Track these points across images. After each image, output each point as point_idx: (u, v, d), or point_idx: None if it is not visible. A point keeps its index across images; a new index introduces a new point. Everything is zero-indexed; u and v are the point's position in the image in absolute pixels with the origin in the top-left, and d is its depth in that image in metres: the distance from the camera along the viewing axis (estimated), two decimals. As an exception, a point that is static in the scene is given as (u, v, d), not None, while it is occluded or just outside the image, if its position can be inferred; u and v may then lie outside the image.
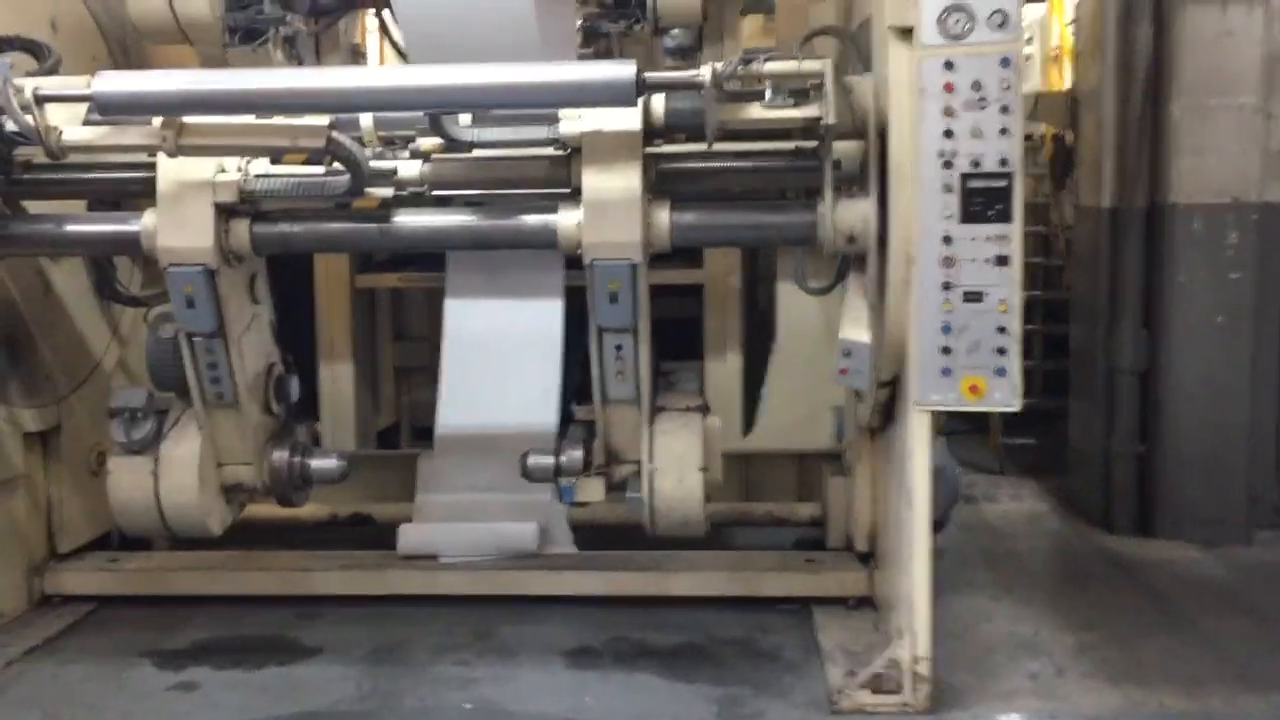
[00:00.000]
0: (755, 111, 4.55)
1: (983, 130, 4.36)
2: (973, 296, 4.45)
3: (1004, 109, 4.35)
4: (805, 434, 6.78)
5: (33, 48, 4.89)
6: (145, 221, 4.73)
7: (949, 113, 4.36)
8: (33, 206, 5.09)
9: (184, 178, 4.64)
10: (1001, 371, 4.46)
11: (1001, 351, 4.44)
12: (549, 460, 5.12)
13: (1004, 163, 4.37)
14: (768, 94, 4.54)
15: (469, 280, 6.46)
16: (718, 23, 6.27)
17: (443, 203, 4.96)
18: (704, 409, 5.03)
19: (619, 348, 4.82)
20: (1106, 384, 7.07)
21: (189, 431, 5.08)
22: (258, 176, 4.68)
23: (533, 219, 4.74)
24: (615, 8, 5.42)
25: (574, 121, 4.66)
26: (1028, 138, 10.31)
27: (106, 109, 4.31)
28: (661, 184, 4.84)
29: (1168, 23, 6.68)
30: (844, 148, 4.80)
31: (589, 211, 4.61)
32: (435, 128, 4.56)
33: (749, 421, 7.01)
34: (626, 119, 4.61)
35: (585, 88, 4.23)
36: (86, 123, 4.64)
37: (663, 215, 4.69)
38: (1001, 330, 4.44)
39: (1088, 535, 7.06)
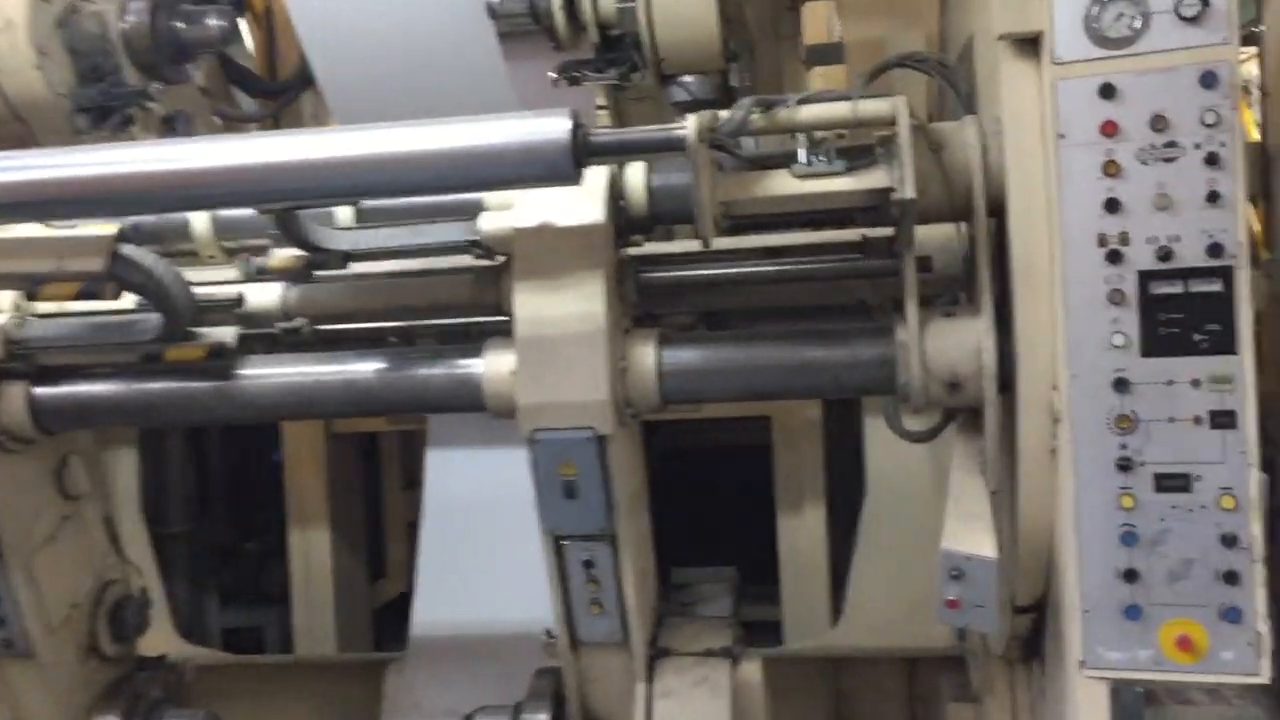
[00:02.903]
0: (781, 185, 2.77)
1: (1174, 197, 2.53)
2: (1173, 483, 2.57)
3: (1211, 160, 2.51)
4: (915, 626, 4.86)
5: None
6: None
7: (1112, 169, 2.54)
8: None
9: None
10: (1233, 614, 2.55)
11: (1231, 579, 2.54)
12: (501, 728, 3.34)
13: (1216, 250, 2.52)
14: (801, 155, 2.76)
15: (455, 421, 4.84)
16: (765, 66, 4.55)
17: (323, 344, 3.27)
18: (734, 650, 3.18)
19: (588, 565, 3.04)
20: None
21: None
22: (36, 317, 3.08)
23: (443, 370, 3.01)
24: (601, 51, 3.74)
25: (501, 214, 2.95)
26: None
27: None
28: (646, 306, 3.10)
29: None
30: (937, 236, 3.00)
31: (525, 355, 2.87)
32: (286, 231, 2.89)
33: (838, 607, 5.14)
34: (583, 205, 2.88)
35: (489, 157, 2.52)
36: None
37: (645, 356, 2.92)
38: (1230, 541, 2.54)
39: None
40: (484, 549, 4.90)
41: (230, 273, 3.23)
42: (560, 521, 2.95)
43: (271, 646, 6.55)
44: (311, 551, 6.02)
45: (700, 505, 7.75)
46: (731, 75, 3.76)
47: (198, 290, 3.05)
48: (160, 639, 5.18)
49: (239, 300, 3.09)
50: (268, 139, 2.69)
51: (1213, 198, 2.52)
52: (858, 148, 2.80)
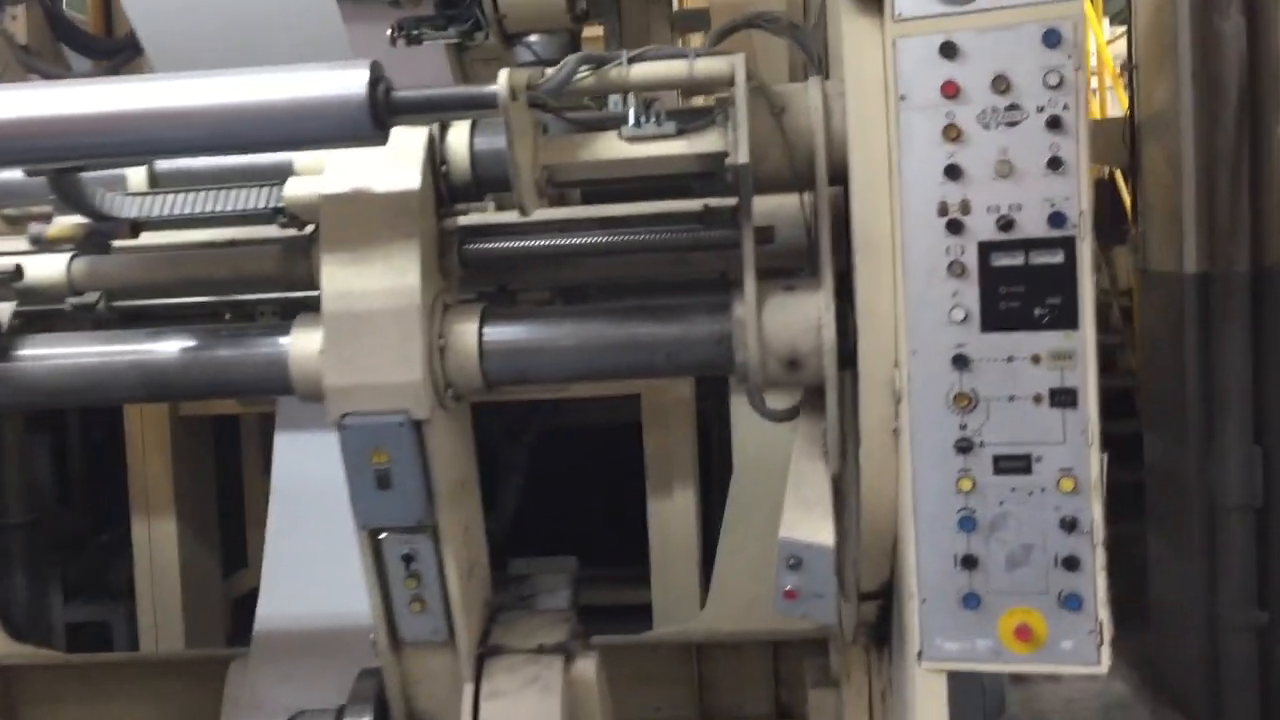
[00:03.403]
0: (607, 148, 2.57)
1: (1015, 163, 2.39)
2: (1012, 464, 2.44)
3: (1054, 124, 2.37)
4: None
5: None
6: None
7: (953, 133, 2.40)
8: None
9: None
10: (1073, 602, 2.44)
11: (1072, 565, 2.43)
12: (324, 733, 3.11)
13: (1058, 220, 2.39)
14: (630, 118, 2.56)
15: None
16: (632, 30, 4.35)
17: (121, 322, 2.99)
18: (569, 645, 2.99)
19: (408, 559, 2.82)
20: (1205, 522, 4.98)
21: None
22: None
23: (247, 350, 2.76)
24: (441, 8, 3.49)
25: (309, 180, 2.71)
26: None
27: None
28: (472, 279, 2.88)
29: (1265, 11, 4.69)
30: (787, 207, 2.83)
31: (333, 333, 2.64)
32: (63, 196, 2.60)
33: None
34: (398, 171, 2.65)
35: (278, 113, 2.27)
36: None
37: (466, 334, 2.70)
38: (1070, 525, 2.42)
39: (1192, 744, 4.93)
40: (333, 539, 4.62)
41: (18, 243, 2.94)
42: (374, 514, 2.72)
43: (120, 643, 6.22)
44: (156, 542, 5.71)
45: (580, 486, 7.59)
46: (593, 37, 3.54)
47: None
48: (-12, 639, 4.86)
49: (17, 273, 2.79)
50: (20, 90, 2.40)
51: (1055, 164, 2.39)
52: (693, 110, 2.62)
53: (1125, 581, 6.17)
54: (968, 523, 2.48)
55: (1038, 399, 2.43)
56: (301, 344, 2.70)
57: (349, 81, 2.28)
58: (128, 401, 3.94)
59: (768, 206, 2.87)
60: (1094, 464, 2.43)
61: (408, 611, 2.89)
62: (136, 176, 2.84)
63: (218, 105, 2.27)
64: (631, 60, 2.59)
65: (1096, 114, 7.78)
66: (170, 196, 2.71)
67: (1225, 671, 4.89)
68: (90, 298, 2.93)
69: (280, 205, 2.71)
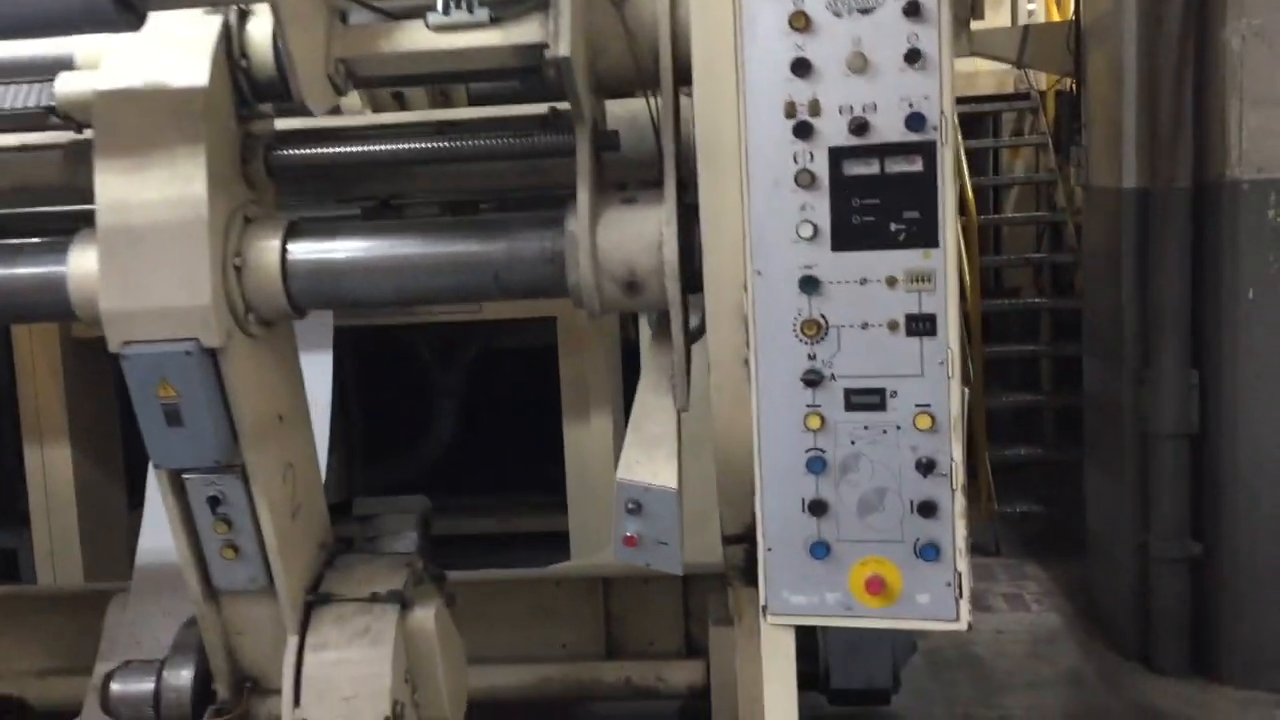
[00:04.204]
0: (410, 39, 2.24)
1: (870, 57, 2.08)
2: (865, 400, 2.17)
3: (912, 9, 2.06)
4: (687, 541, 4.51)
5: None
6: None
7: (800, 22, 2.08)
8: None
9: None
10: (931, 550, 2.18)
11: (928, 510, 2.16)
12: (143, 688, 2.86)
13: (917, 123, 2.09)
14: (439, 4, 2.23)
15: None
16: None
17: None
18: (405, 594, 2.73)
19: (214, 502, 2.54)
20: (1139, 451, 4.74)
21: None
22: None
23: (25, 269, 2.46)
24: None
25: (82, 75, 2.38)
26: (1022, 96, 8.07)
27: None
28: (282, 193, 2.57)
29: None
30: (623, 111, 2.52)
31: (109, 251, 2.33)
32: None
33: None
34: (184, 65, 2.32)
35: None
36: None
37: (266, 252, 2.40)
38: (927, 467, 2.15)
39: (1119, 677, 4.75)
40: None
41: None
42: (168, 453, 2.44)
43: (26, 572, 6.00)
44: (51, 469, 5.44)
45: (513, 411, 7.34)
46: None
47: None
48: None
49: None
50: None
51: (913, 57, 2.07)
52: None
53: (1070, 511, 5.99)
54: (816, 464, 2.21)
55: (893, 326, 2.15)
56: (81, 264, 2.40)
57: (85, -45, 1.94)
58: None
59: (624, 113, 2.58)
60: (955, 399, 2.15)
61: (219, 558, 2.63)
62: (-104, 71, 2.50)
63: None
64: (442, -64, 2.27)
65: (1056, 16, 7.39)
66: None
67: (1155, 603, 4.69)
68: None
69: (52, 104, 2.39)
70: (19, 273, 2.45)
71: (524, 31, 2.23)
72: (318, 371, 4.05)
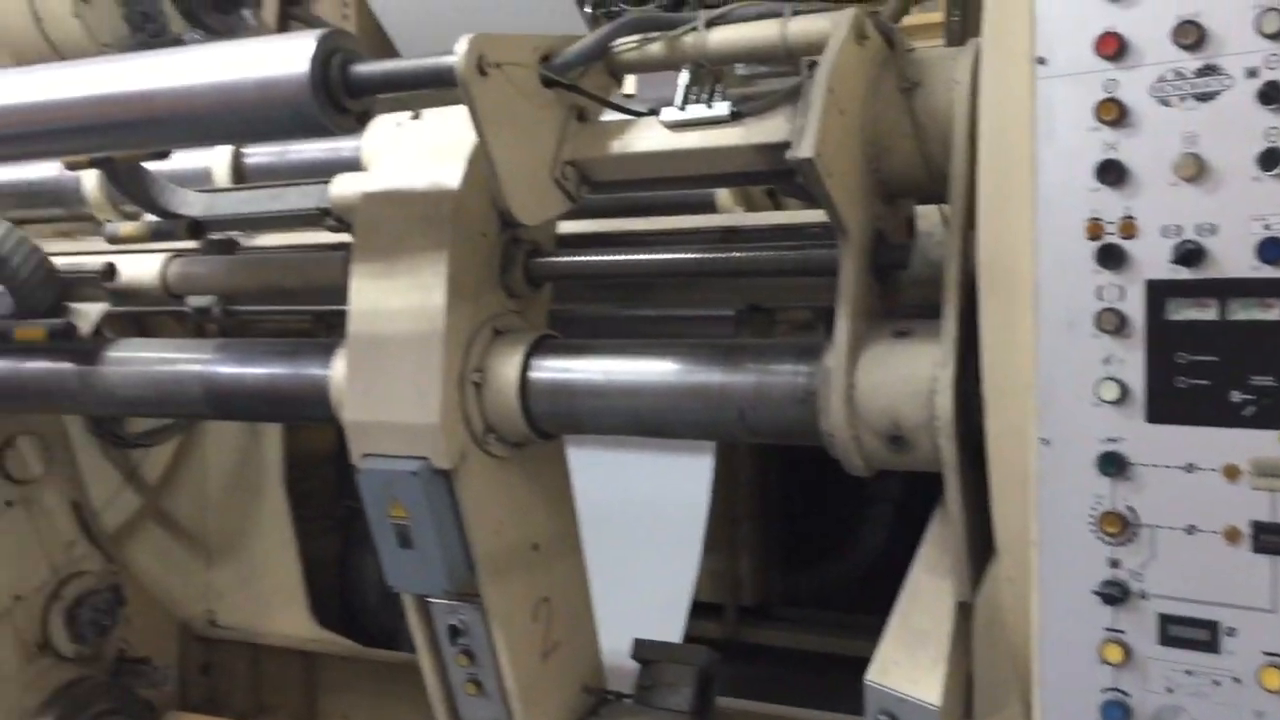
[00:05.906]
0: (643, 138, 1.94)
1: (1210, 161, 1.52)
2: (1188, 632, 1.57)
3: (1272, 94, 1.45)
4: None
5: None
6: None
7: (1112, 112, 1.56)
8: None
9: None
10: None
11: None
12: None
13: (1273, 251, 1.49)
14: (676, 99, 1.92)
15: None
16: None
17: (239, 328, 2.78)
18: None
19: (455, 632, 2.35)
20: None
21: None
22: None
23: (292, 370, 2.43)
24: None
25: (354, 178, 2.33)
26: None
27: None
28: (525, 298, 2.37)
29: None
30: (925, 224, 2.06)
31: (356, 358, 2.24)
32: (124, 190, 2.40)
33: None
34: (440, 165, 2.20)
35: (208, 99, 1.90)
36: None
37: (506, 368, 2.19)
38: (1270, 746, 1.49)
39: None
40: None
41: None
42: (400, 576, 2.29)
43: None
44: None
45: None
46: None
47: (67, 261, 2.65)
48: None
49: (110, 272, 2.65)
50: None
51: (1271, 160, 1.46)
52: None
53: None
54: (1114, 710, 1.61)
55: (1232, 535, 1.51)
56: (341, 369, 2.33)
57: (291, 56, 1.85)
58: (193, 417, 3.51)
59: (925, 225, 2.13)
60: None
61: (463, 693, 2.44)
62: (221, 169, 2.60)
63: (137, 92, 1.93)
64: (710, 23, 1.96)
65: None
66: (229, 195, 2.44)
67: None
68: (205, 301, 2.76)
69: (326, 206, 2.35)
70: (284, 372, 2.43)
71: (766, 129, 1.85)
72: (696, 473, 3.85)
